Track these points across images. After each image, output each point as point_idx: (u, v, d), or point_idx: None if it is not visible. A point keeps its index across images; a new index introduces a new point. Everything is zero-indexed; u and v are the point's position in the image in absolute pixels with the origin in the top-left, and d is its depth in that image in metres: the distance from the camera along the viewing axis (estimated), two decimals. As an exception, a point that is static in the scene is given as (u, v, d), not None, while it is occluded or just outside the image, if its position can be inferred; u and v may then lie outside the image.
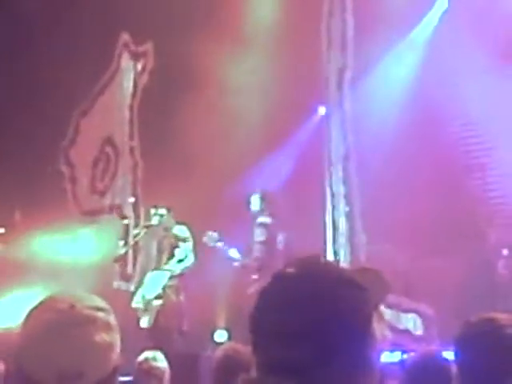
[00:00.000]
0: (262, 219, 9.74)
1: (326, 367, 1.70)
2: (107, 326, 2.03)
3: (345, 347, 1.72)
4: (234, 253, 9.66)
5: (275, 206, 9.78)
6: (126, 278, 11.12)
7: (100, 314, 2.04)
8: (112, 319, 2.07)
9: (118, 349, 2.06)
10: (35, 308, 2.06)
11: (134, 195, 11.79)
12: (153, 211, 9.99)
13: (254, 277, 9.45)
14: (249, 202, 9.83)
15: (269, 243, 9.61)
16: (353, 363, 1.73)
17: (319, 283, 1.75)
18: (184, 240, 9.63)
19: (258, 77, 10.65)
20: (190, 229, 9.71)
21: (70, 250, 11.29)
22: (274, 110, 10.39)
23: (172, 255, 9.64)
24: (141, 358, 5.25)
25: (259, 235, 9.69)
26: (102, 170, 12.05)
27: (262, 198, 9.73)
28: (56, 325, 1.98)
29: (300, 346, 1.70)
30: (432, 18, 10.67)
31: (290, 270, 1.79)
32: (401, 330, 9.36)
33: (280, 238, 9.64)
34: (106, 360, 2.01)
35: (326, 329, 1.70)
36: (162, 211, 9.88)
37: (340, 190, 10.83)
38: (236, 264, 9.63)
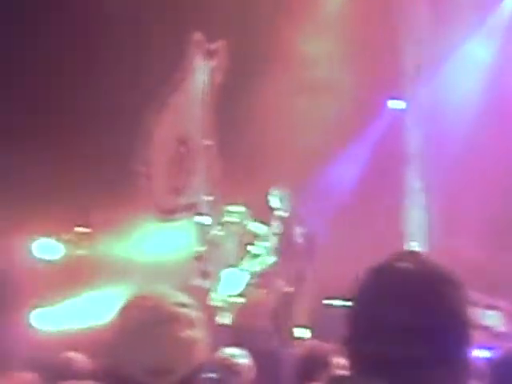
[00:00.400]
0: (278, 213, 10.01)
1: (425, 367, 1.64)
2: (191, 323, 2.07)
3: (447, 347, 1.66)
4: None
5: (293, 203, 10.15)
6: (204, 276, 11.18)
7: (184, 311, 2.07)
8: (196, 315, 2.11)
9: (202, 344, 2.09)
10: (123, 306, 2.11)
11: (210, 193, 11.85)
12: (229, 209, 10.04)
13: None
14: (267, 200, 10.17)
15: (285, 236, 9.91)
16: (453, 363, 1.67)
17: (426, 279, 1.70)
18: (261, 237, 9.67)
19: (332, 73, 10.59)
20: (267, 226, 9.74)
21: (149, 249, 11.42)
22: (349, 105, 10.32)
23: (251, 251, 9.70)
24: (223, 354, 5.26)
25: (275, 228, 10.00)
26: (178, 168, 12.14)
27: (280, 197, 10.10)
28: (143, 322, 2.03)
29: (402, 343, 1.64)
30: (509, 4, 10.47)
31: (395, 263, 1.74)
32: (482, 326, 9.24)
33: (298, 231, 9.94)
34: (190, 356, 2.05)
35: (431, 327, 1.65)
36: (238, 209, 9.92)
37: (417, 184, 10.72)
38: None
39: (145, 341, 1.99)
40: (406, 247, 10.11)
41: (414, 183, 10.69)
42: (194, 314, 2.09)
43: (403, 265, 1.73)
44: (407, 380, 1.63)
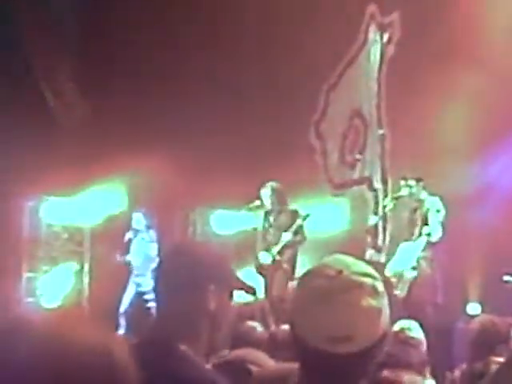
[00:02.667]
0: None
1: None
2: (374, 292, 2.06)
3: None
4: None
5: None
6: (378, 249, 11.17)
7: (367, 280, 2.06)
8: (379, 285, 2.08)
9: (386, 315, 2.08)
10: (306, 275, 2.13)
11: (383, 167, 11.80)
12: (402, 182, 9.96)
13: None
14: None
15: None
16: None
17: None
18: (436, 211, 9.53)
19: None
20: (442, 200, 9.58)
21: (322, 222, 11.50)
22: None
23: (425, 225, 9.58)
24: (396, 327, 5.25)
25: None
26: (352, 142, 12.16)
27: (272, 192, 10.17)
28: (325, 290, 2.03)
29: None
30: None
31: None
32: None
33: None
34: (373, 325, 2.04)
35: None
36: (412, 182, 9.82)
37: None
38: None
39: (326, 308, 2.00)
40: None
41: None
42: (376, 283, 2.07)
43: None
44: None
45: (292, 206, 10.45)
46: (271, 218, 10.36)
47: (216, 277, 2.67)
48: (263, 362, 4.30)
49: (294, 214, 10.26)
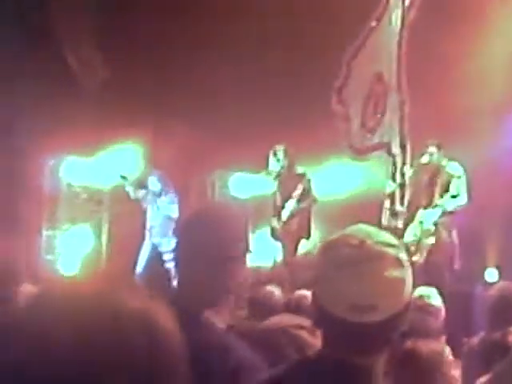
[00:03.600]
0: None
1: None
2: (397, 262, 2.07)
3: None
4: None
5: None
6: (395, 216, 11.14)
7: (390, 250, 2.08)
8: (402, 255, 2.10)
9: (409, 285, 2.10)
10: (328, 243, 2.14)
11: (402, 132, 11.74)
12: (423, 148, 9.92)
13: None
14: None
15: None
16: None
17: None
18: (457, 177, 9.49)
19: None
20: (463, 166, 9.53)
21: (342, 188, 11.50)
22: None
23: (445, 191, 9.55)
24: (415, 294, 5.25)
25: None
26: (373, 107, 12.08)
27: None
28: (349, 259, 2.05)
29: None
30: None
31: None
32: None
33: None
34: (397, 295, 2.06)
35: None
36: (432, 148, 9.78)
37: None
38: None
39: (350, 277, 2.02)
40: None
41: None
42: (400, 253, 2.09)
43: None
44: None
45: (300, 170, 10.46)
46: (280, 182, 10.40)
47: (235, 243, 2.68)
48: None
49: (302, 178, 10.30)
